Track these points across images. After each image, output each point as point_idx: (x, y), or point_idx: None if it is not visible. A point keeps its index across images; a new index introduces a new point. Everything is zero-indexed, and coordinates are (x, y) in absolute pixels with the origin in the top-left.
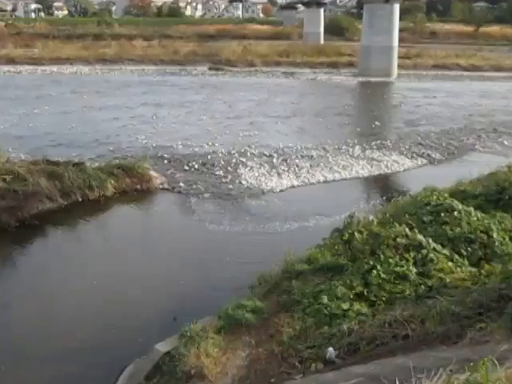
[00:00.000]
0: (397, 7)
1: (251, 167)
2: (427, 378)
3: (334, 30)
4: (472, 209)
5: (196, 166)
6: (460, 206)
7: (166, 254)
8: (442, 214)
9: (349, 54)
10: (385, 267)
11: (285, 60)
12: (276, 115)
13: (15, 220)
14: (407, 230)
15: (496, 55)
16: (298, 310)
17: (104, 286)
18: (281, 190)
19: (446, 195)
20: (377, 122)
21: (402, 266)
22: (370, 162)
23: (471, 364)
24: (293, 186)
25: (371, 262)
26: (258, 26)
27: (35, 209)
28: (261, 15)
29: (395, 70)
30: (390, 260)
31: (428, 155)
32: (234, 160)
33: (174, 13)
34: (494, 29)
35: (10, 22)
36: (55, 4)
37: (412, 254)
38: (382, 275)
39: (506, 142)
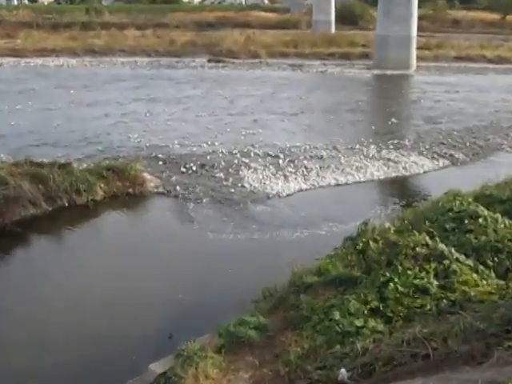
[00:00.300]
0: None
1: (255, 169)
2: None
3: (347, 17)
4: (499, 215)
5: (194, 168)
6: (486, 212)
7: (161, 266)
8: (466, 221)
9: (362, 45)
10: (403, 280)
11: (292, 51)
12: (282, 112)
13: None
14: (427, 238)
15: None
16: (306, 327)
17: (93, 300)
18: (288, 195)
19: (470, 200)
20: (393, 119)
21: (422, 279)
22: (386, 163)
23: None
24: (301, 190)
25: (388, 274)
26: (263, 14)
27: (17, 215)
28: (265, 1)
29: (414, 62)
30: (409, 272)
31: (450, 156)
32: (235, 161)
33: None
34: None
35: None
36: None
37: (433, 265)
38: (400, 288)
39: None
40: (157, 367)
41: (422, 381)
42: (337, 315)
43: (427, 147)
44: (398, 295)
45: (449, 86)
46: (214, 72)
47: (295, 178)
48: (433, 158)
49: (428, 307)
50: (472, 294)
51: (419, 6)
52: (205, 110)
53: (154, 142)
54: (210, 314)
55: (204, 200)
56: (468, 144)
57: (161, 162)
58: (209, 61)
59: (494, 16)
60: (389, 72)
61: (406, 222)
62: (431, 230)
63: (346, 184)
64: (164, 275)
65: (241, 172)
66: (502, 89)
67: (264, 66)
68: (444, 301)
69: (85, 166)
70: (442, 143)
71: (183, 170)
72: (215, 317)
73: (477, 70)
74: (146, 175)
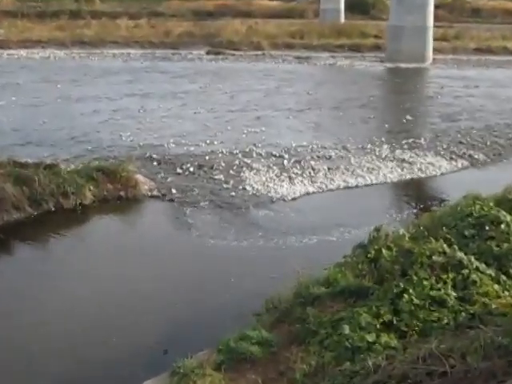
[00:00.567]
0: None
1: (257, 170)
2: None
3: (357, 6)
4: None
5: (191, 169)
6: (508, 218)
7: (155, 275)
8: (487, 227)
9: (374, 36)
10: (418, 291)
11: (298, 42)
12: (287, 108)
13: None
14: (445, 246)
15: None
16: (313, 342)
17: (81, 311)
18: (293, 198)
19: (491, 204)
20: (408, 117)
21: (439, 290)
22: (400, 165)
23: None
24: (307, 193)
25: (402, 285)
26: (266, 2)
27: None
28: None
29: (430, 55)
30: (425, 282)
31: (470, 156)
32: (236, 162)
33: None
34: None
35: None
36: None
37: (451, 275)
38: (415, 300)
39: None
40: None
41: None
42: (346, 329)
43: (445, 147)
44: (412, 308)
45: (468, 81)
46: (214, 65)
47: (301, 181)
48: (451, 158)
49: (445, 321)
50: (493, 306)
51: None
52: (203, 106)
53: (147, 141)
54: (209, 327)
55: (202, 204)
56: (489, 143)
57: (155, 163)
58: (207, 53)
59: None
60: (403, 65)
61: (421, 228)
62: (449, 236)
63: (357, 187)
64: (159, 286)
65: (242, 174)
66: None
67: (267, 59)
68: (463, 314)
69: (73, 166)
70: (461, 142)
71: (179, 171)
72: (214, 331)
73: (498, 63)
74: (139, 177)
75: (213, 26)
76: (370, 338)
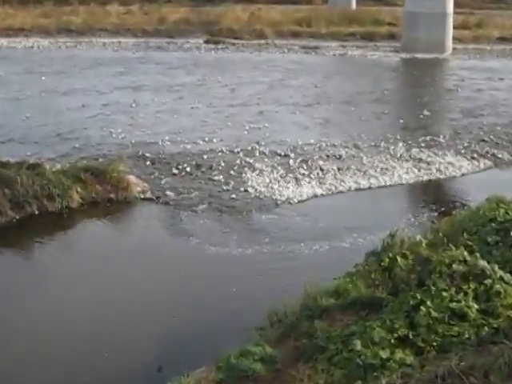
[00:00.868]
0: None
1: (260, 171)
2: None
3: None
4: None
5: (188, 169)
6: None
7: (149, 285)
8: None
9: (389, 23)
10: (436, 303)
11: (305, 30)
12: (293, 102)
13: None
14: (466, 253)
15: None
16: (321, 358)
17: (67, 325)
18: (300, 201)
19: None
20: (426, 112)
21: (459, 302)
22: (416, 165)
23: None
24: (315, 196)
25: (418, 296)
26: None
27: None
28: None
29: (450, 44)
30: (444, 293)
31: (493, 155)
32: (237, 161)
33: None
34: None
35: None
36: None
37: (472, 286)
38: (433, 313)
39: None
40: None
41: None
42: (358, 345)
43: (466, 145)
44: (430, 321)
45: (491, 73)
46: (213, 55)
47: (309, 182)
48: (472, 158)
49: (466, 336)
50: None
51: None
52: (201, 100)
53: (140, 139)
54: (208, 342)
55: (200, 208)
56: None
57: (149, 162)
58: (206, 42)
59: None
60: (420, 55)
61: (440, 233)
62: (470, 243)
63: (369, 189)
64: (152, 297)
65: (244, 174)
66: None
67: (271, 48)
68: (485, 328)
69: (58, 166)
70: (484, 140)
71: (175, 171)
72: (213, 346)
73: None
74: (131, 178)
75: (212, 12)
76: (384, 354)
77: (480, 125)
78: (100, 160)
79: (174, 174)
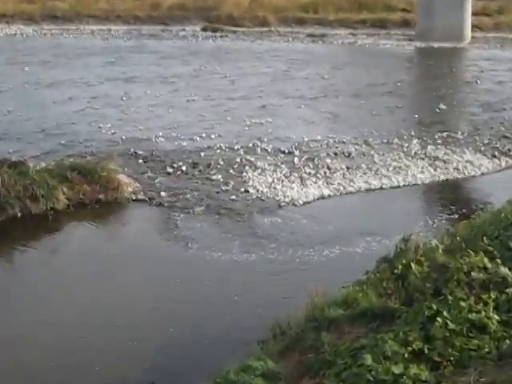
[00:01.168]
0: None
1: (262, 169)
2: None
3: None
4: None
5: (184, 168)
6: None
7: (141, 294)
8: None
9: (402, 9)
10: (454, 314)
11: (311, 17)
12: (298, 95)
13: None
14: (486, 260)
15: None
16: (329, 374)
17: (54, 336)
18: (305, 203)
19: None
20: (442, 106)
21: (479, 312)
22: (432, 163)
23: None
24: (322, 197)
25: (434, 307)
26: None
27: None
28: None
29: (468, 32)
30: (462, 303)
31: None
32: (237, 159)
33: None
34: None
35: None
36: None
37: (493, 295)
38: (450, 325)
39: None
40: None
41: None
42: (368, 359)
43: (486, 142)
44: (447, 334)
45: None
46: (211, 44)
47: (315, 182)
48: (493, 156)
49: (486, 349)
50: None
51: None
52: (198, 92)
53: (132, 135)
54: (205, 356)
55: (197, 210)
56: None
57: (141, 161)
58: (203, 29)
59: None
60: (436, 44)
61: (458, 238)
62: (491, 248)
63: (381, 189)
64: (145, 307)
65: (244, 173)
66: None
67: (275, 36)
68: (507, 341)
69: (43, 165)
70: (505, 137)
71: (170, 170)
72: (211, 361)
73: None
74: (122, 177)
75: None
76: (397, 369)
77: (501, 120)
78: (88, 158)
79: (169, 173)
